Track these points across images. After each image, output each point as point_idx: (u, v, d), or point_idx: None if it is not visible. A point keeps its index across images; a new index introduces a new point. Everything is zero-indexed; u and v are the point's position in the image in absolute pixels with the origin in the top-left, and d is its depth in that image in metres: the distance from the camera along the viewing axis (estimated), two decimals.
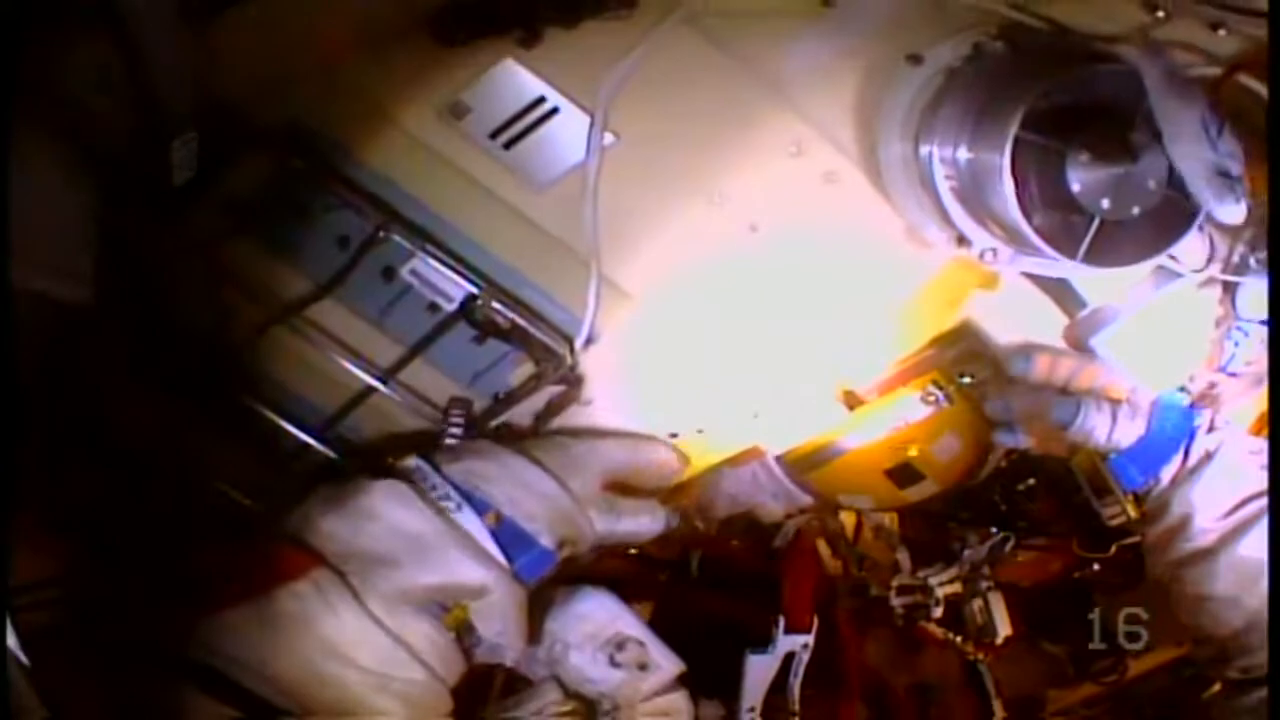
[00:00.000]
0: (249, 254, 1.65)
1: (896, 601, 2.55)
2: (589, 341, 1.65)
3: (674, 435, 1.82)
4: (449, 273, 1.59)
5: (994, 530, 2.51)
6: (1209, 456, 1.86)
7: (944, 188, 1.38)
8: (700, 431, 1.83)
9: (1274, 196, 1.24)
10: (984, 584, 2.56)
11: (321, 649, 1.60)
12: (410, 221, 1.57)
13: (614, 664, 2.03)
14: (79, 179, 1.46)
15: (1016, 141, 1.28)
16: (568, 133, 1.48)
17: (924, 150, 1.41)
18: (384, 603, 1.63)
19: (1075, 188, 1.33)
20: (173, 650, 1.58)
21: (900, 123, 1.43)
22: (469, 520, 1.69)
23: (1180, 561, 1.86)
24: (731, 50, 1.39)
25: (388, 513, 1.67)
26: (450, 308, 1.63)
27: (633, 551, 2.44)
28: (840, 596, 2.69)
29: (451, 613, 1.69)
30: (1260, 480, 1.81)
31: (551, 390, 1.74)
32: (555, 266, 1.60)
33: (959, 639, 2.65)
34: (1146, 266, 1.51)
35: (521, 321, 1.64)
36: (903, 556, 2.54)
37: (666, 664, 2.06)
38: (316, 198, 1.57)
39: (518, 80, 1.44)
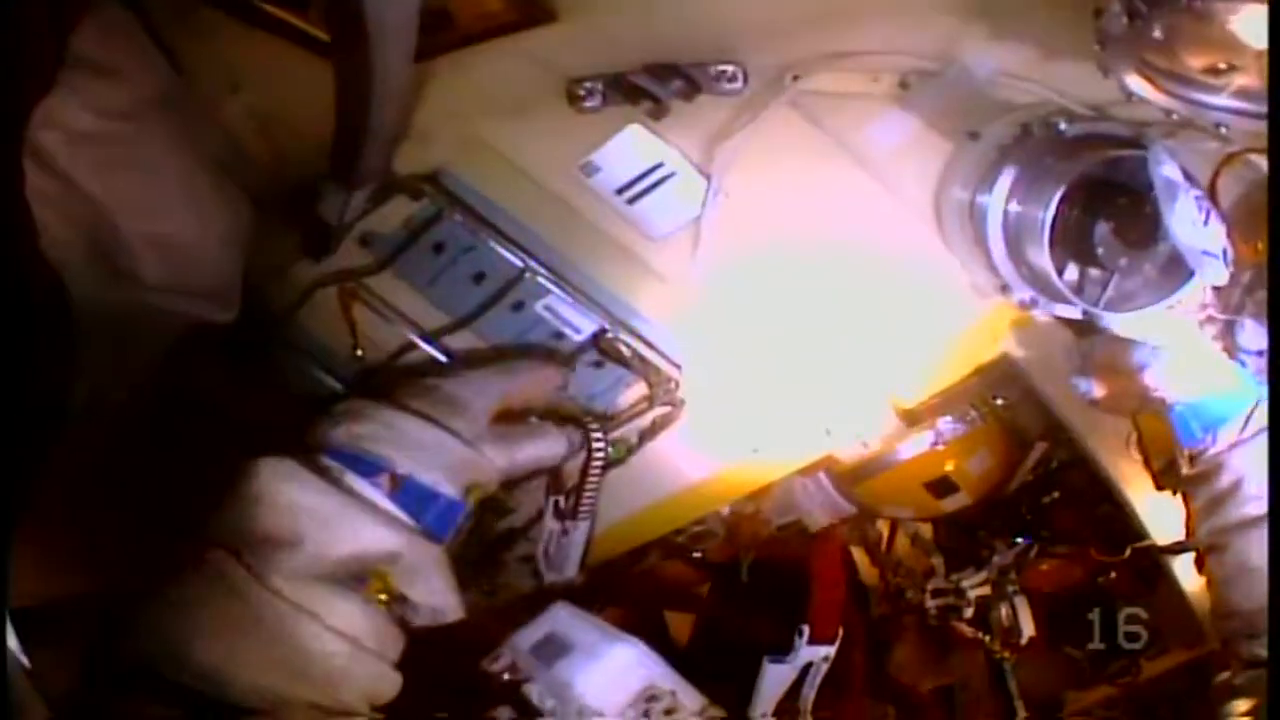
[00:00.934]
0: (389, 287, 1.85)
1: (932, 603, 2.67)
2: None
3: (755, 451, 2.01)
4: (578, 308, 1.82)
5: (1020, 539, 2.66)
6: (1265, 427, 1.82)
7: (994, 237, 1.63)
8: (755, 451, 2.00)
9: (1274, 196, 1.26)
10: (1010, 588, 2.67)
11: (231, 633, 1.53)
12: (543, 262, 1.80)
13: (646, 716, 1.98)
14: (237, 212, 1.65)
15: (1056, 209, 1.55)
16: (683, 192, 1.71)
17: (979, 201, 1.65)
18: (293, 583, 1.54)
19: (1099, 251, 1.61)
20: (108, 652, 1.52)
21: (959, 184, 1.67)
22: (363, 485, 1.62)
23: (1226, 528, 1.82)
24: (824, 125, 1.65)
25: (277, 492, 1.58)
26: (579, 338, 1.85)
27: (696, 555, 2.59)
28: (873, 605, 2.77)
29: (371, 584, 1.60)
30: None
31: (658, 411, 1.93)
32: (668, 307, 1.85)
33: (987, 638, 2.73)
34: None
35: (642, 350, 1.87)
36: (937, 561, 2.69)
37: (690, 703, 2.02)
38: (455, 238, 1.78)
39: (643, 145, 1.67)
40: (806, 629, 2.39)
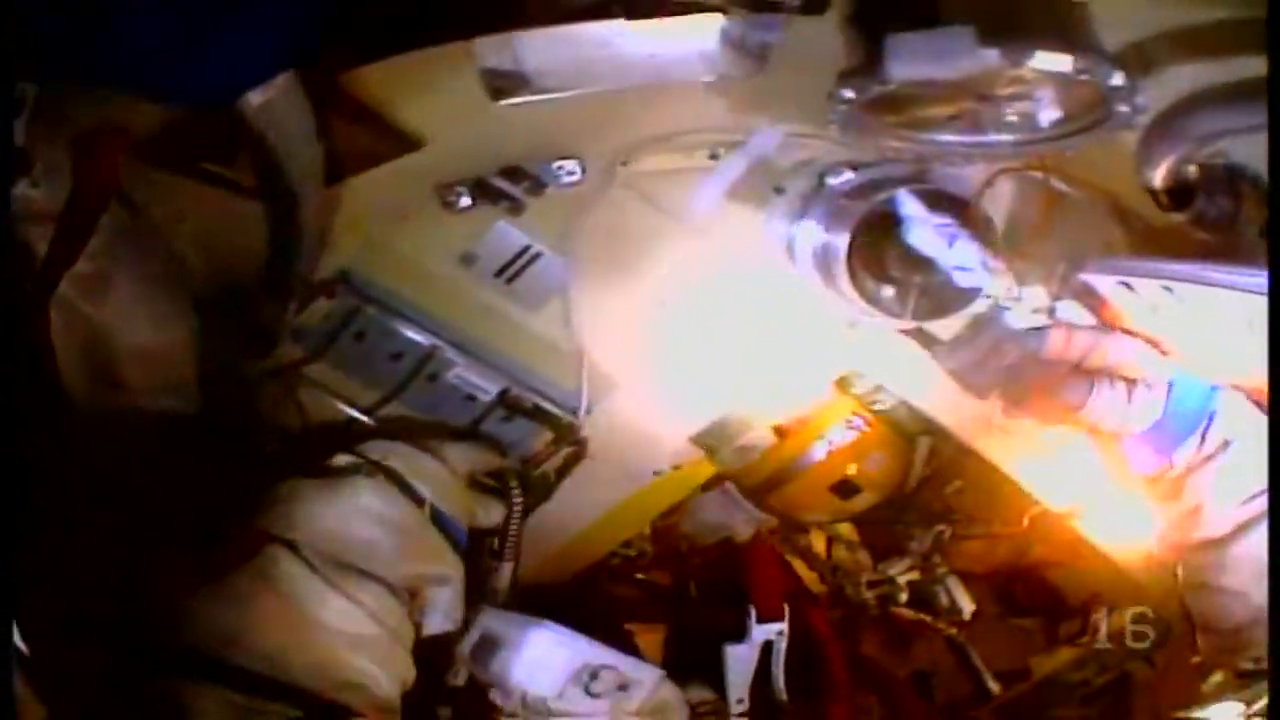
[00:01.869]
0: (323, 373, 2.12)
1: (868, 594, 2.86)
2: (586, 412, 2.19)
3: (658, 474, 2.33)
4: (482, 374, 2.12)
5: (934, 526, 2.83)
6: (1226, 444, 1.81)
7: (807, 270, 1.92)
8: (657, 474, 2.32)
9: (1274, 197, 1.32)
10: (940, 571, 2.87)
11: (285, 616, 1.77)
12: (447, 338, 2.09)
13: (592, 695, 2.13)
14: (188, 322, 1.91)
15: (851, 243, 1.84)
16: (550, 269, 2.02)
17: (794, 243, 1.94)
18: (351, 578, 1.82)
19: (894, 273, 1.89)
20: (163, 637, 1.72)
21: (777, 230, 1.96)
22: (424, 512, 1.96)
23: (1190, 548, 1.85)
24: (653, 199, 1.94)
25: (381, 509, 1.91)
26: (488, 399, 2.15)
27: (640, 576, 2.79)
28: (814, 597, 2.86)
29: (417, 595, 1.94)
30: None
31: (566, 450, 2.23)
32: (554, 362, 2.15)
33: (930, 619, 2.92)
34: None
35: (541, 402, 2.18)
36: (863, 557, 2.89)
37: (646, 676, 2.20)
38: (372, 327, 2.05)
39: (510, 236, 1.98)
40: (753, 609, 2.50)
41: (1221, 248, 1.68)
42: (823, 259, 1.88)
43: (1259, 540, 1.75)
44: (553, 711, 2.11)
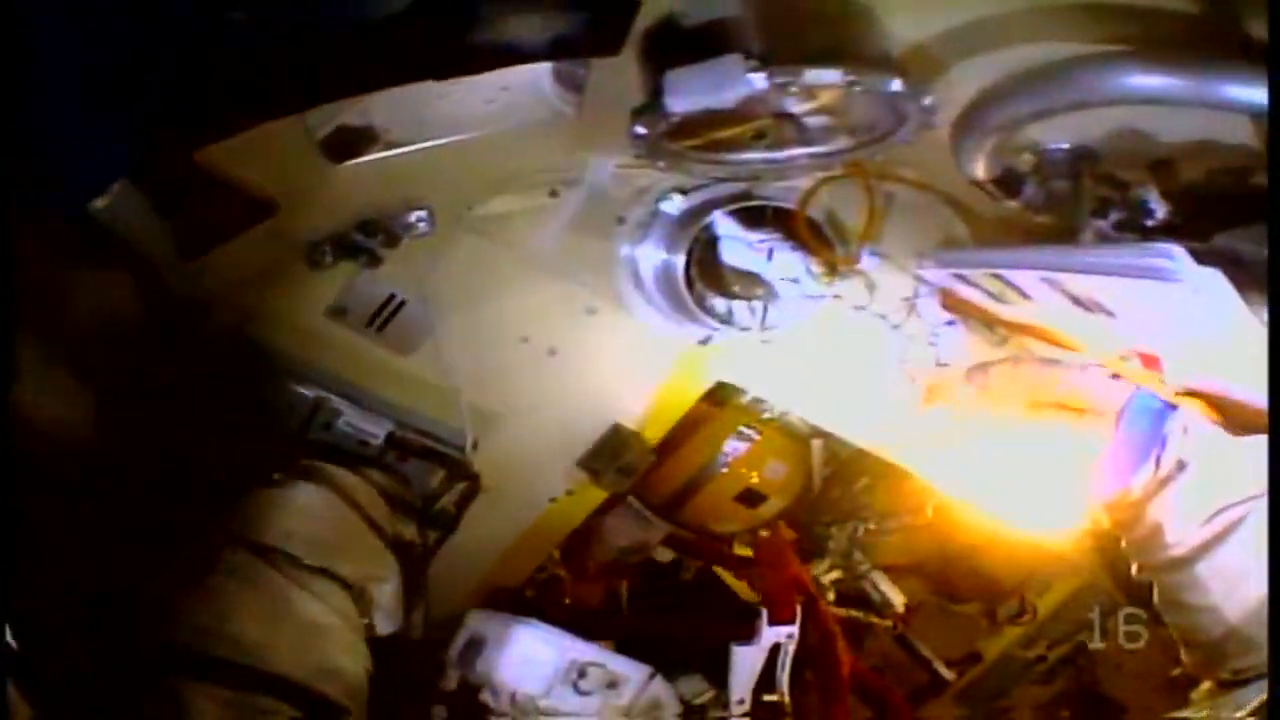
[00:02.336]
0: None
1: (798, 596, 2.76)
2: (473, 448, 2.25)
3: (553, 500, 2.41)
4: (369, 419, 2.19)
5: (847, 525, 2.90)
6: (1182, 466, 1.82)
7: (654, 292, 2.03)
8: (553, 500, 2.40)
9: (1275, 196, 1.30)
10: (863, 567, 2.93)
11: (258, 609, 1.86)
12: (329, 388, 2.16)
13: (581, 693, 2.18)
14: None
15: (689, 263, 1.95)
16: (417, 314, 2.10)
17: (638, 266, 2.05)
18: (311, 576, 1.93)
19: (735, 287, 1.99)
20: (151, 636, 1.78)
21: (623, 258, 2.07)
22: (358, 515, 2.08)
23: (1156, 567, 1.88)
24: (501, 240, 2.04)
25: (317, 507, 2.05)
26: (377, 441, 2.21)
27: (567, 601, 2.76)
28: (821, 597, 2.79)
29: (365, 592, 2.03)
30: (1235, 489, 1.77)
31: (460, 485, 2.29)
32: (435, 402, 2.22)
33: (863, 614, 2.97)
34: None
35: (428, 442, 2.25)
36: None
37: (634, 673, 2.25)
38: (265, 382, 2.13)
39: (374, 287, 2.06)
40: (765, 611, 2.48)
41: (1061, 230, 1.74)
42: (665, 281, 1.98)
43: (1224, 558, 1.77)
44: (542, 710, 2.17)
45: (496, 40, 1.60)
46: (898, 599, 2.98)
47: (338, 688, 1.88)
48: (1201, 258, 1.43)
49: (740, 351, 2.20)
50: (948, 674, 3.22)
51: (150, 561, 1.91)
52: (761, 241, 1.86)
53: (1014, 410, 1.99)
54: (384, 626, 2.08)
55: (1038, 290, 1.73)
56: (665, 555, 2.80)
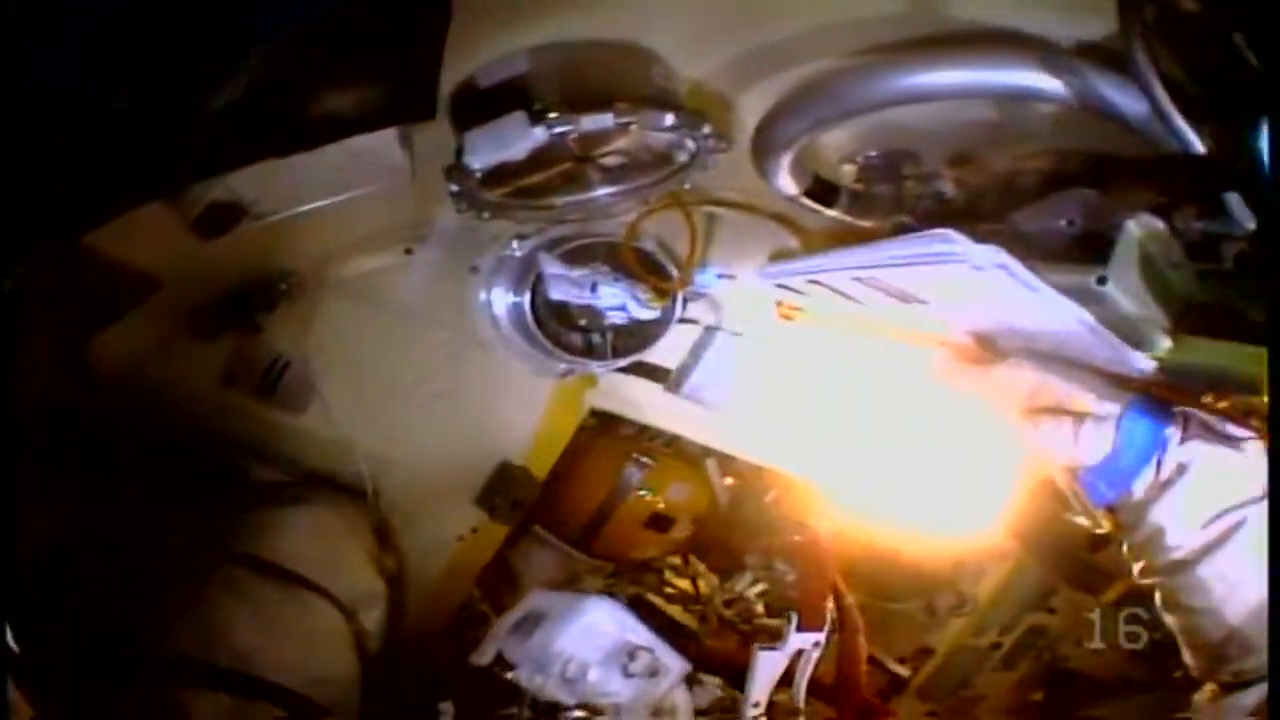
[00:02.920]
0: None
1: (729, 613, 2.90)
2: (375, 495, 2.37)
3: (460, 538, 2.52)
4: (274, 475, 2.33)
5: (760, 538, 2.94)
6: (1182, 469, 1.80)
7: (510, 332, 2.17)
8: (460, 539, 2.51)
9: (1275, 199, 1.29)
10: (789, 577, 2.88)
11: (253, 618, 1.95)
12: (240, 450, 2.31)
13: (627, 674, 2.18)
14: None
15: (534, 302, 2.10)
16: (302, 373, 2.25)
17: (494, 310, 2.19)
18: (308, 594, 2.03)
19: (582, 321, 2.13)
20: (151, 643, 1.84)
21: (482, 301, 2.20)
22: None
23: (1157, 571, 1.84)
24: (366, 297, 2.20)
25: (321, 526, 2.17)
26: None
27: None
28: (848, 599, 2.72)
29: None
30: (1235, 492, 1.76)
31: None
32: (333, 454, 2.35)
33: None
34: None
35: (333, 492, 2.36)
36: (709, 581, 2.95)
37: (675, 666, 2.25)
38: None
39: (258, 351, 2.22)
40: (795, 616, 2.45)
41: (885, 230, 1.87)
42: (519, 322, 2.13)
43: (1225, 560, 1.75)
44: (590, 682, 2.17)
45: (323, 116, 1.76)
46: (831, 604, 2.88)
47: (329, 694, 1.97)
48: (989, 237, 1.55)
49: (613, 380, 2.34)
50: (903, 671, 3.26)
51: (151, 574, 1.98)
52: (584, 276, 2.00)
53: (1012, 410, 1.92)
54: (371, 648, 2.17)
55: (854, 289, 1.83)
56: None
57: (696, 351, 2.34)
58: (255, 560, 2.05)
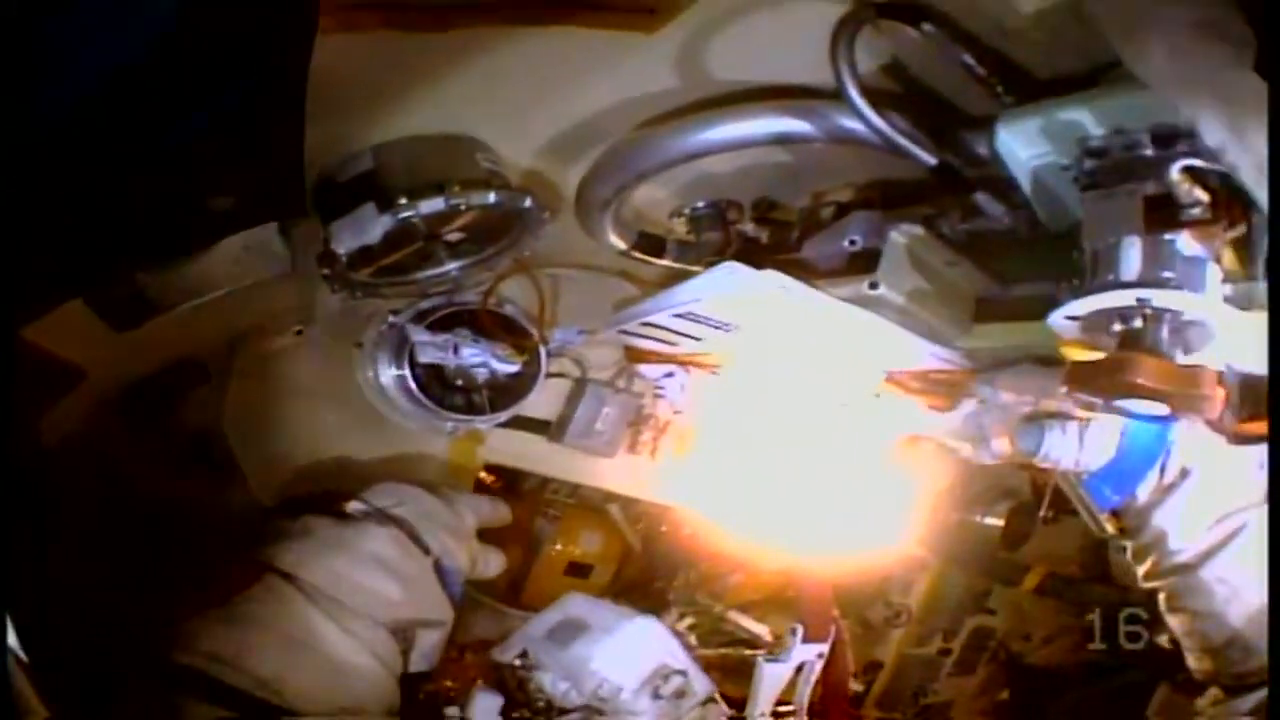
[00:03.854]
0: None
1: None
2: None
3: None
4: None
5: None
6: (1185, 473, 1.86)
7: (400, 400, 2.38)
8: None
9: (1275, 201, 1.34)
10: (717, 609, 3.06)
11: (282, 643, 1.87)
12: None
13: (657, 696, 2.14)
14: None
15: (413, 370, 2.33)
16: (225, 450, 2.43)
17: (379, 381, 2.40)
18: (352, 616, 1.94)
19: (459, 382, 2.37)
20: (159, 653, 1.82)
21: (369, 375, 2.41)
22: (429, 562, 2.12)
23: (1160, 573, 1.88)
24: (268, 379, 2.39)
25: (391, 558, 2.05)
26: None
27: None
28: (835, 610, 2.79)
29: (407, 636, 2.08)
30: (1238, 496, 1.80)
31: None
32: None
33: (737, 650, 2.96)
34: None
35: None
36: None
37: (701, 688, 2.23)
38: None
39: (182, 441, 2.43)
40: (800, 628, 2.51)
41: None
42: (403, 387, 2.36)
43: (1226, 563, 1.81)
44: (618, 705, 2.12)
45: (216, 215, 1.99)
46: (763, 631, 3.05)
47: None
48: (780, 265, 1.82)
49: (500, 435, 2.55)
50: (857, 686, 3.31)
51: (180, 572, 2.04)
52: (447, 340, 2.25)
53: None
54: (416, 666, 2.12)
55: (682, 325, 2.08)
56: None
57: (572, 402, 2.56)
58: (298, 579, 1.98)
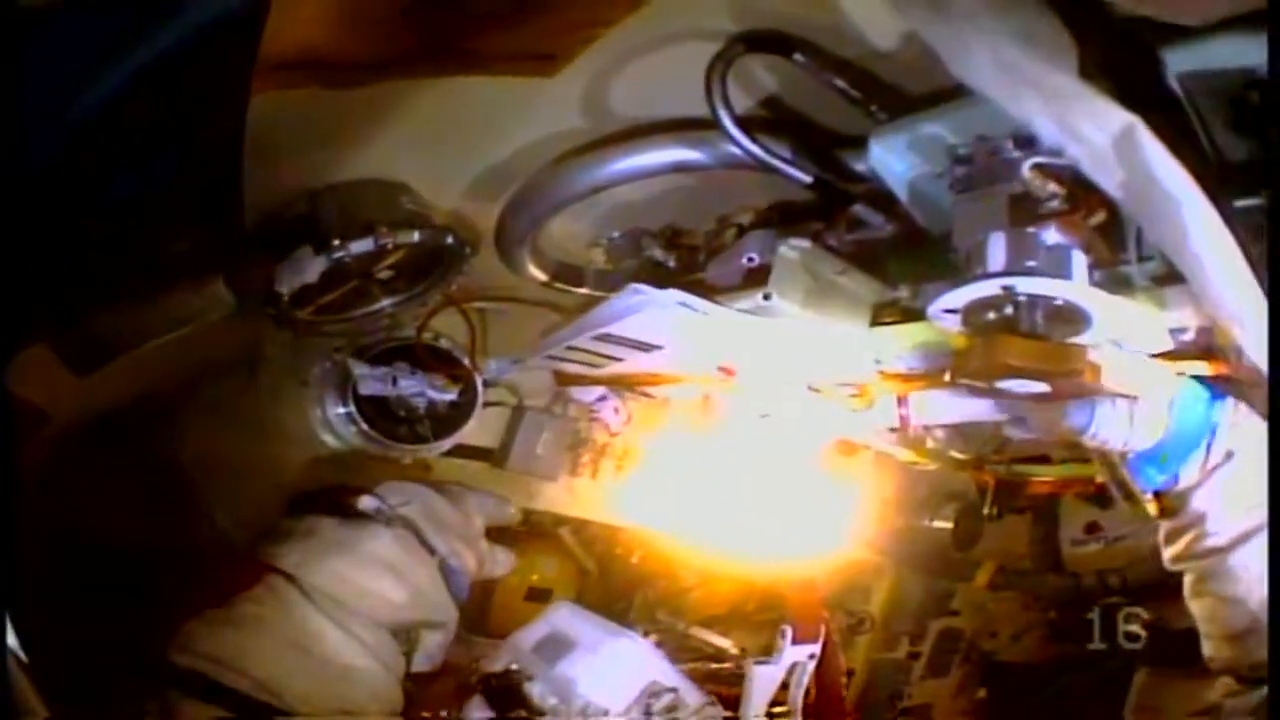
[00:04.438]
0: None
1: None
2: None
3: None
4: None
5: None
6: (1229, 455, 1.84)
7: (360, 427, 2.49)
8: None
9: (1275, 196, 1.34)
10: (680, 626, 3.10)
11: (283, 644, 1.84)
12: None
13: (648, 714, 2.11)
14: None
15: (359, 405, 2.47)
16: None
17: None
18: (354, 617, 1.91)
19: (401, 412, 2.51)
20: (155, 653, 1.80)
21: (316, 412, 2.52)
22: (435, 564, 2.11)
23: (1193, 555, 1.86)
24: (223, 417, 2.51)
25: (396, 560, 2.03)
26: None
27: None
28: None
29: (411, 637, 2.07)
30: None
31: None
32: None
33: (705, 664, 2.86)
34: None
35: None
36: None
37: (693, 702, 2.19)
38: None
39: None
40: (789, 630, 2.46)
41: None
42: (349, 423, 2.48)
43: (1255, 550, 1.79)
44: None
45: (156, 261, 2.12)
46: (727, 644, 3.04)
47: None
48: (682, 286, 1.94)
49: (446, 464, 2.66)
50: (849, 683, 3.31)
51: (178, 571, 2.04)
52: (386, 372, 2.39)
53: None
54: (419, 667, 2.10)
55: (604, 348, 2.20)
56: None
57: (511, 429, 2.69)
58: (301, 581, 1.95)
